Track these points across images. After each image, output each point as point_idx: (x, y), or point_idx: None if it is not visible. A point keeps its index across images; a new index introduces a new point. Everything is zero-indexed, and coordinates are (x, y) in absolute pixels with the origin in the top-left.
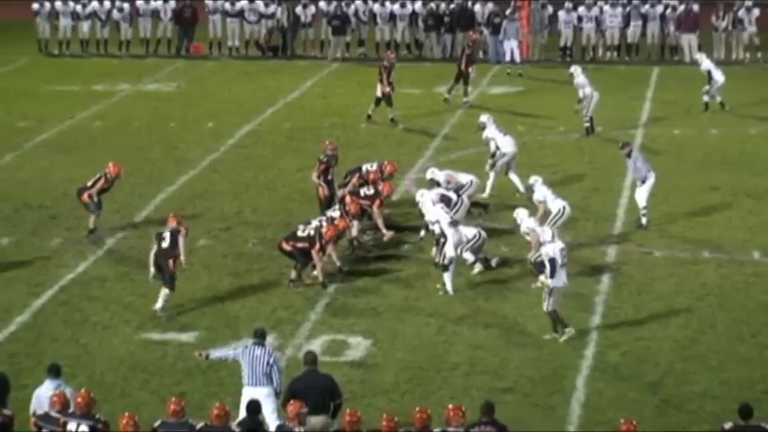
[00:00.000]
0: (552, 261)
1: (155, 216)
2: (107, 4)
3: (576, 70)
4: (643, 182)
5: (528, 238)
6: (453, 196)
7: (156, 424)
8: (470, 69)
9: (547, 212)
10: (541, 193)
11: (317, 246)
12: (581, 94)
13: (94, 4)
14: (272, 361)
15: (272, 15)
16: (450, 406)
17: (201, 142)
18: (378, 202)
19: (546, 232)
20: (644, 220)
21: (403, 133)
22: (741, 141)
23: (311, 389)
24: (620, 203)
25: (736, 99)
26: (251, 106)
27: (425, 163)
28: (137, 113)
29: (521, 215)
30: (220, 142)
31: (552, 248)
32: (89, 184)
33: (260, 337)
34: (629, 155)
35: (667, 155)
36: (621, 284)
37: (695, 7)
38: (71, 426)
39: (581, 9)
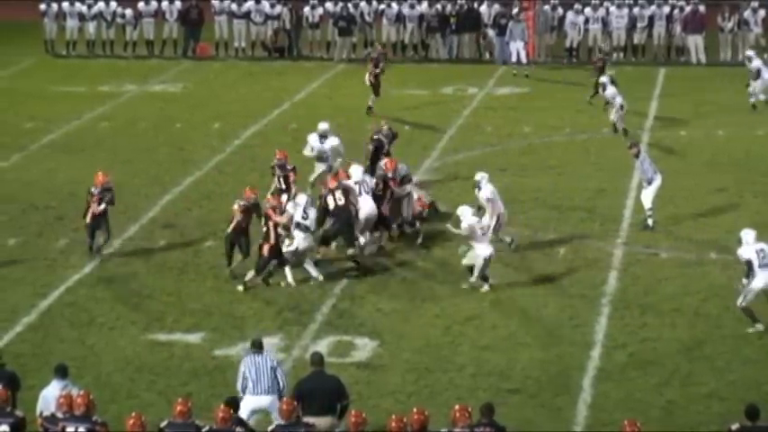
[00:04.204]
0: (749, 263)
1: (161, 217)
2: (113, 5)
3: (607, 80)
4: (649, 183)
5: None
6: None
7: (163, 424)
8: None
9: (495, 212)
10: (489, 190)
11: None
12: (617, 101)
13: (100, 5)
14: (275, 365)
15: (278, 16)
16: (457, 407)
17: (208, 143)
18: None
19: (748, 234)
20: (650, 221)
21: (409, 133)
22: (748, 142)
23: (318, 390)
24: (627, 204)
25: (743, 100)
26: (257, 107)
27: (432, 163)
28: (143, 114)
29: (464, 213)
30: (226, 143)
31: (748, 250)
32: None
33: (257, 347)
34: (637, 155)
35: (674, 156)
36: (628, 285)
37: (701, 8)
38: (69, 429)
39: (587, 10)
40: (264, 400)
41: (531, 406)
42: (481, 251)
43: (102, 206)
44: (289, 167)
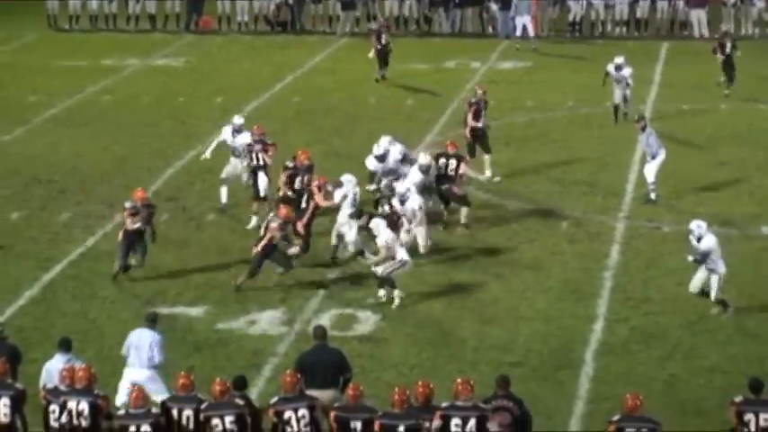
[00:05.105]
0: (710, 253)
1: (163, 191)
2: None
3: (623, 61)
4: (653, 157)
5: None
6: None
7: (166, 397)
8: None
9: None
10: (419, 201)
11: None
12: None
13: None
14: (155, 340)
15: None
16: (459, 380)
17: (210, 117)
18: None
19: (700, 225)
20: (653, 195)
21: (412, 108)
22: (750, 116)
23: (320, 363)
24: (629, 178)
25: (745, 74)
26: (260, 81)
27: (434, 138)
28: (145, 88)
29: (379, 227)
30: (229, 117)
31: (711, 240)
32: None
33: (151, 321)
34: (643, 128)
35: (676, 130)
36: (630, 259)
37: None
38: (71, 404)
39: None
40: (141, 374)
41: (533, 379)
42: (400, 254)
43: (138, 224)
44: (268, 142)
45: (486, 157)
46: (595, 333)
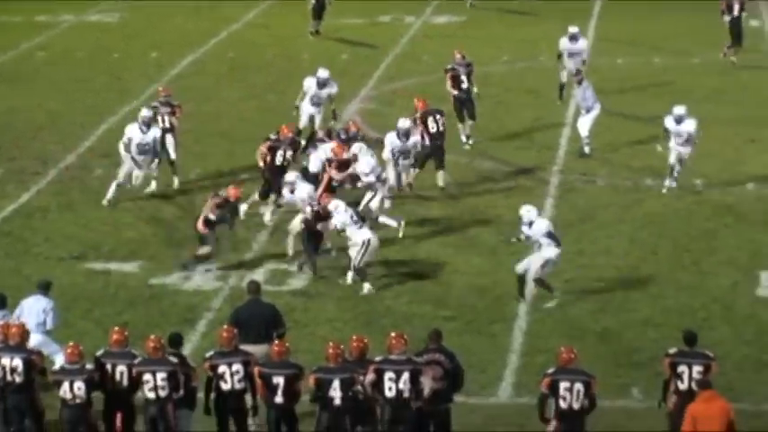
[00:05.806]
0: (551, 234)
1: (97, 147)
2: None
3: (577, 30)
4: (588, 111)
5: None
6: None
7: (99, 353)
8: None
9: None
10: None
11: None
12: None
13: None
14: (48, 307)
15: None
16: (393, 334)
17: (144, 72)
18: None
19: (530, 210)
20: (587, 149)
21: (346, 62)
22: (683, 71)
23: (254, 318)
24: (563, 133)
25: (681, 30)
26: (194, 37)
27: (368, 92)
28: (80, 44)
29: (338, 208)
30: (163, 73)
31: (545, 224)
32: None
33: (44, 288)
34: (579, 82)
35: (610, 84)
36: (564, 213)
37: None
38: (5, 360)
39: None
40: (33, 340)
41: (467, 332)
42: (358, 237)
43: (215, 216)
44: (175, 104)
45: (470, 122)
46: (529, 286)
